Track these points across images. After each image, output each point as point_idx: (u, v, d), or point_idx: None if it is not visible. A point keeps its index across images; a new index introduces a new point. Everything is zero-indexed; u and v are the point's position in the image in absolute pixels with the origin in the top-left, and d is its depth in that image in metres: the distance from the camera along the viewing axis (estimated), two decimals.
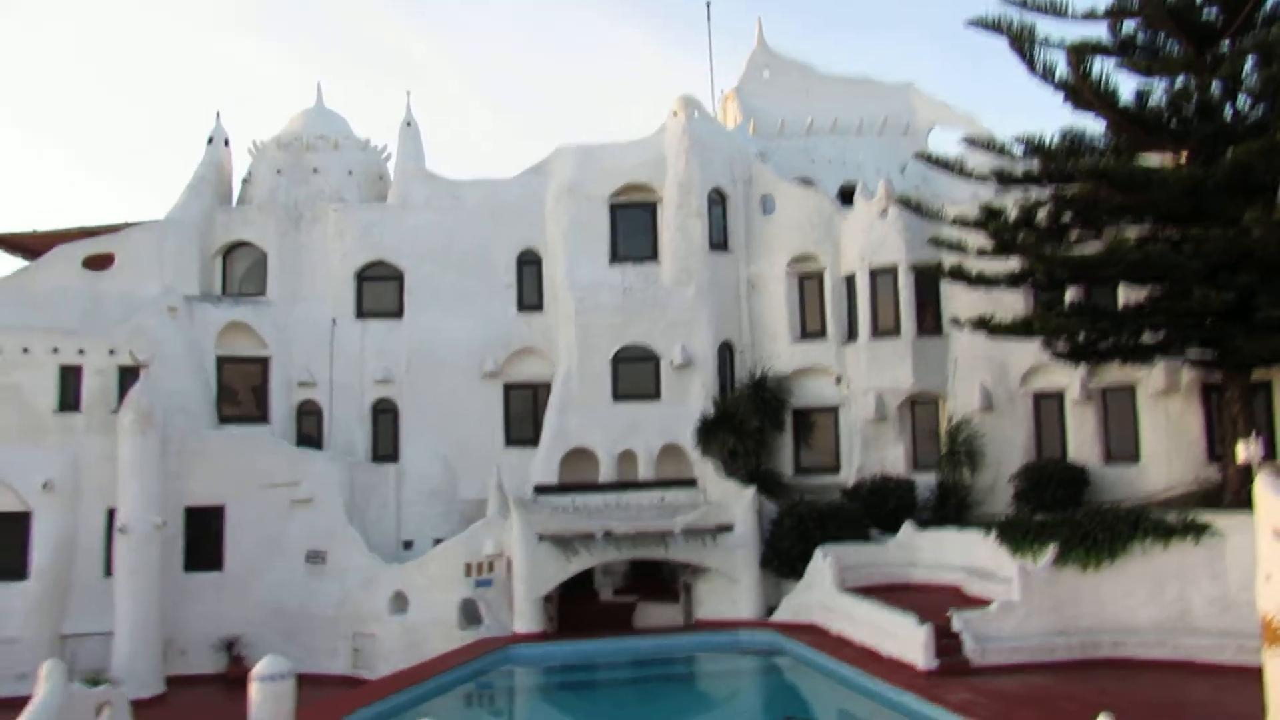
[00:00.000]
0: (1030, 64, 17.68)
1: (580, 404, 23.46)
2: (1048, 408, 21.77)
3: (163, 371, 21.79)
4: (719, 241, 24.35)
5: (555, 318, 24.35)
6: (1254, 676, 11.70)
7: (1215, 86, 17.30)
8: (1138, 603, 15.44)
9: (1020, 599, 15.66)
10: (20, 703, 12.07)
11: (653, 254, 24.34)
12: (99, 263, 23.84)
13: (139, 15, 59.23)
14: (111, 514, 20.50)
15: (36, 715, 11.19)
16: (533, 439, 23.70)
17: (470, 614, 20.40)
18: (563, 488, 22.18)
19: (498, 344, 24.36)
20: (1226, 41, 17.43)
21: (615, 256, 24.34)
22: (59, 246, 23.87)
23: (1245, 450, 14.46)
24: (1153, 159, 17.99)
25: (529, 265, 24.91)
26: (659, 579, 22.07)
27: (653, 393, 23.62)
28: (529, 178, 25.21)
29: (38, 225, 25.33)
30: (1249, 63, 16.63)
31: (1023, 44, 17.76)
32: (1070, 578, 15.77)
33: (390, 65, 63.29)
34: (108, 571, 20.49)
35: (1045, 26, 18.14)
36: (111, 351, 21.69)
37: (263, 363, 23.95)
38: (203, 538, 21.62)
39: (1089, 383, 21.02)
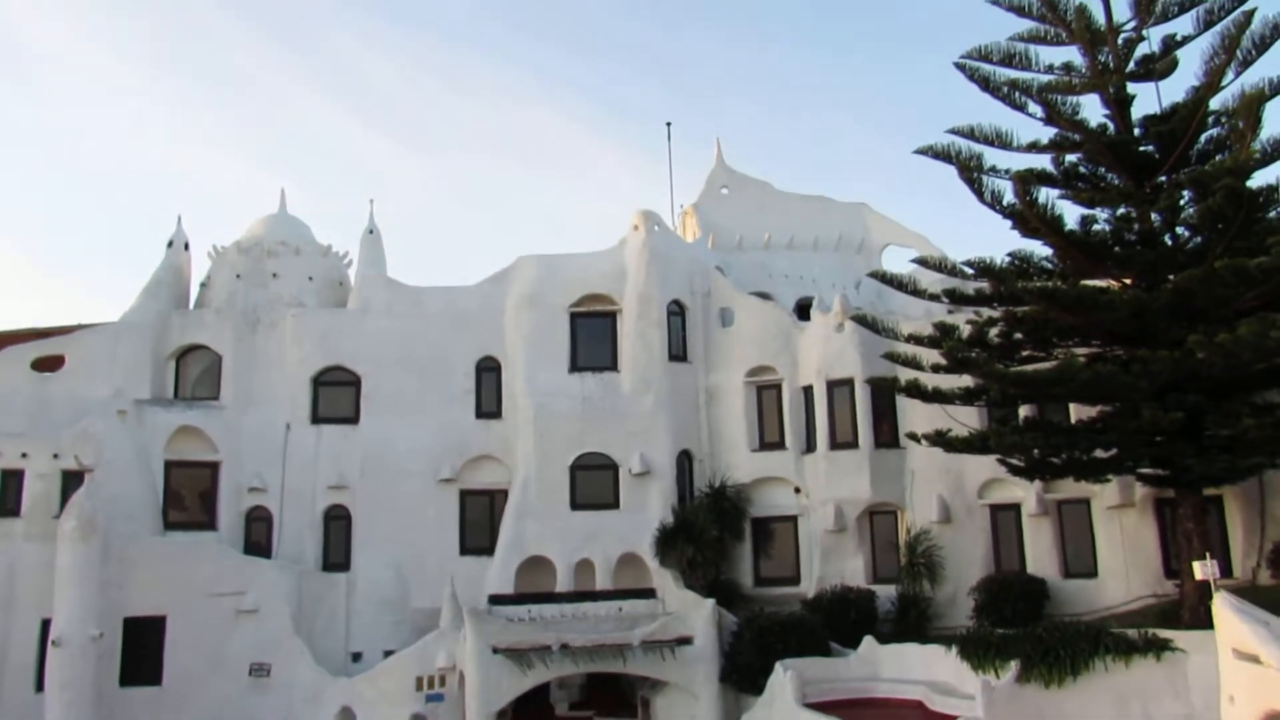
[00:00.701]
0: (978, 192, 18.46)
1: (538, 511, 23.23)
2: (1005, 520, 22.02)
3: (108, 476, 21.23)
4: (678, 352, 24.65)
5: (514, 425, 24.26)
6: None
7: (1155, 217, 18.18)
8: None
9: (984, 715, 15.51)
10: None
11: (612, 363, 24.54)
12: (49, 364, 23.41)
13: (102, 117, 59.62)
14: (46, 625, 19.61)
15: None
16: (489, 547, 23.33)
17: None
18: (519, 598, 21.76)
19: (455, 450, 24.14)
20: (1163, 176, 18.37)
21: (575, 365, 24.48)
22: (9, 347, 23.42)
23: (1202, 570, 14.69)
24: (1099, 282, 18.70)
25: (488, 372, 24.92)
26: (617, 692, 21.53)
27: (611, 501, 23.49)
28: (490, 286, 25.44)
29: None
30: (1186, 195, 17.50)
31: (970, 173, 18.61)
32: (1033, 694, 15.72)
33: (354, 172, 64.16)
34: (39, 687, 19.47)
35: (991, 156, 18.99)
36: (56, 455, 21.15)
37: (212, 468, 23.41)
38: (142, 650, 20.71)
39: (1045, 496, 21.37)
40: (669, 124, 40.96)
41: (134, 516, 21.73)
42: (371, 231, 26.38)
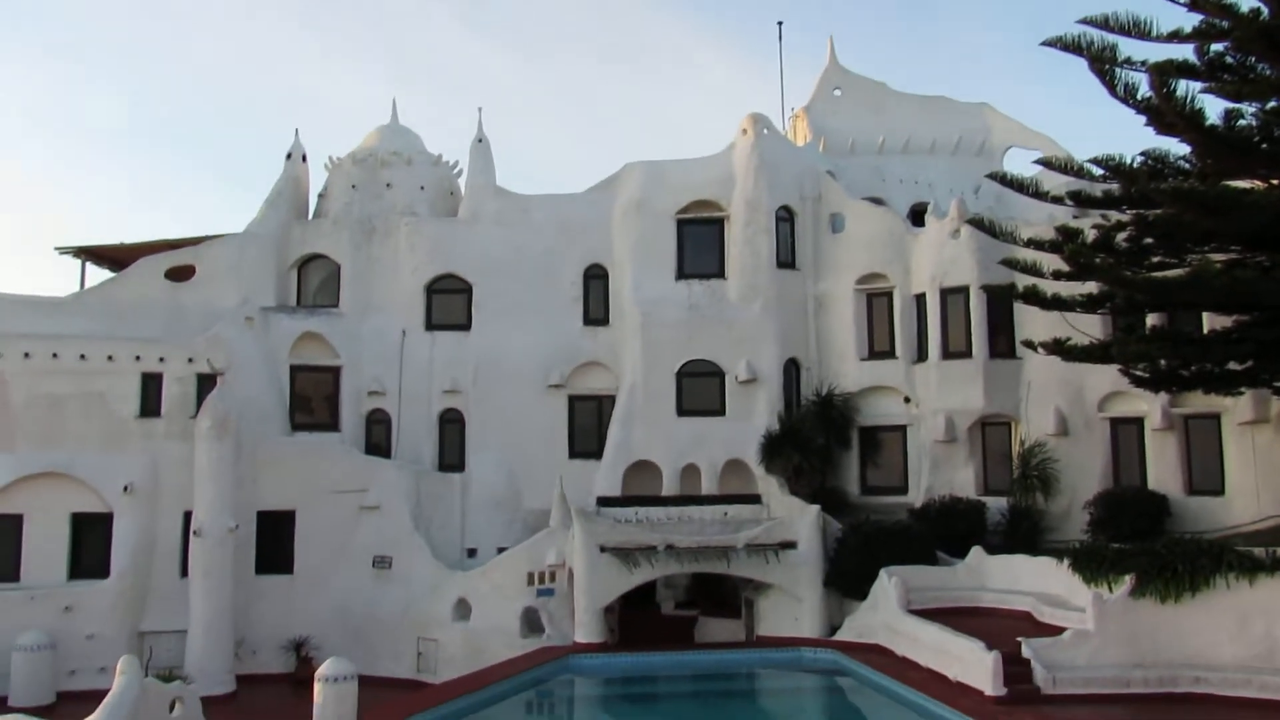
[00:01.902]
0: (1110, 86, 17.25)
1: (644, 418, 23.52)
2: (1126, 434, 21.22)
3: (238, 380, 22.40)
4: (786, 259, 24.26)
5: (621, 332, 24.46)
6: None
7: None
8: (1221, 638, 14.87)
9: (1094, 628, 15.22)
10: (99, 695, 12.46)
11: (719, 270, 24.35)
12: (181, 274, 24.61)
13: (221, 35, 61.23)
14: (188, 517, 21.09)
15: (113, 708, 11.52)
16: (596, 451, 23.82)
17: (532, 623, 20.55)
18: (626, 500, 22.23)
19: (563, 357, 24.54)
20: None
21: (681, 272, 24.40)
22: (143, 259, 24.71)
23: None
24: (1240, 184, 17.46)
25: (595, 280, 25.08)
26: (721, 594, 21.97)
27: (717, 408, 23.58)
28: (597, 193, 25.42)
29: (124, 238, 26.25)
30: None
31: (1103, 65, 17.34)
32: (1148, 609, 15.28)
33: (463, 82, 64.43)
34: (184, 573, 21.06)
35: (1126, 47, 17.66)
36: (190, 360, 22.35)
37: (334, 372, 24.46)
38: (274, 541, 22.12)
39: (1170, 409, 20.46)
40: (780, 24, 39.85)
41: (263, 418, 22.98)
42: (480, 140, 26.55)
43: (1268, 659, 14.57)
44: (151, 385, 22.14)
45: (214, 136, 62.47)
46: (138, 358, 22.10)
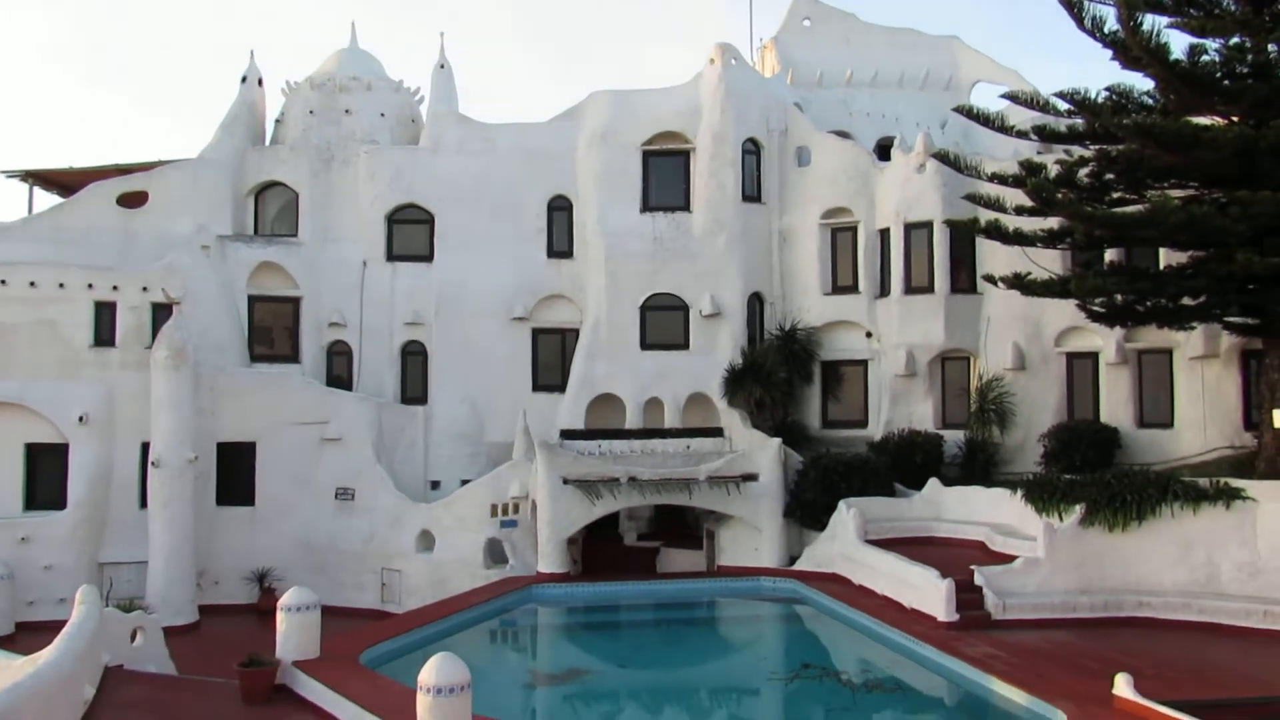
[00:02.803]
0: (1078, 18, 17.17)
1: (608, 351, 23.52)
2: (1081, 368, 21.58)
3: (195, 309, 22.04)
4: (752, 192, 24.14)
5: (585, 264, 24.31)
6: (1278, 640, 11.70)
7: (1272, 48, 16.81)
8: (1164, 565, 15.41)
9: (1045, 556, 15.68)
10: (58, 626, 12.36)
11: (685, 203, 24.18)
12: (133, 200, 23.96)
13: None
14: (146, 448, 20.85)
15: (72, 637, 11.48)
16: (560, 385, 23.84)
17: (495, 554, 20.72)
18: (589, 433, 22.33)
19: (527, 289, 24.38)
20: None
21: (647, 205, 24.20)
22: (94, 183, 24.01)
23: None
24: (1201, 121, 17.55)
25: (560, 211, 24.81)
26: (683, 525, 22.28)
27: (681, 342, 23.64)
28: (562, 123, 25.00)
29: (73, 162, 25.50)
30: None
31: None
32: (1096, 537, 15.75)
33: (425, 6, 62.72)
34: (143, 504, 20.88)
35: None
36: (145, 288, 21.89)
37: (294, 303, 24.14)
38: (234, 473, 22.00)
39: (1125, 345, 20.82)
40: None
41: (222, 348, 22.70)
42: (443, 66, 25.95)
43: (1206, 584, 15.14)
44: (105, 314, 21.69)
45: (166, 58, 60.51)
46: (90, 285, 21.61)
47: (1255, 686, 11.85)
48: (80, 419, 20.98)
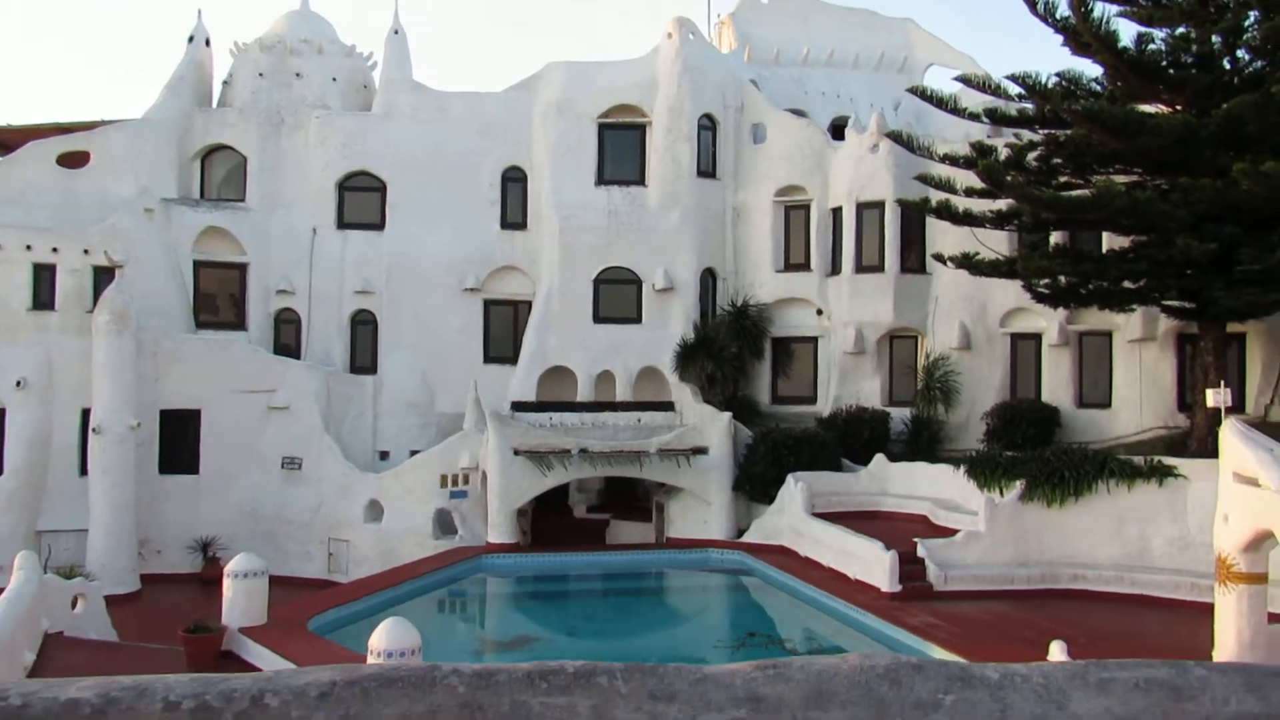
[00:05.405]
0: (1031, 4, 17.47)
1: (560, 323, 23.50)
2: (1025, 349, 22.07)
3: (138, 274, 21.54)
4: (707, 168, 24.20)
5: (538, 236, 24.21)
6: (1206, 612, 12.17)
7: (1216, 39, 17.24)
8: (1099, 539, 15.91)
9: (985, 530, 16.09)
10: None
11: (640, 177, 24.16)
12: (74, 160, 23.27)
13: None
14: (86, 414, 20.40)
15: (10, 602, 11.28)
16: (512, 356, 23.78)
17: (444, 524, 20.69)
18: (540, 405, 22.33)
19: (479, 260, 24.22)
20: None
21: (601, 178, 24.14)
22: (33, 142, 23.24)
23: (1215, 397, 14.76)
24: (1146, 109, 17.96)
25: (514, 182, 24.65)
26: (633, 498, 22.44)
27: (633, 315, 23.70)
28: (518, 93, 24.79)
29: (11, 120, 24.69)
30: (1251, 16, 16.53)
31: None
32: (1035, 512, 16.19)
33: None
34: (83, 471, 20.46)
35: None
36: (86, 251, 21.37)
37: (240, 269, 23.72)
38: (178, 441, 21.64)
39: (1067, 326, 21.32)
40: None
41: (165, 314, 22.25)
42: (396, 32, 25.54)
43: (1138, 558, 15.67)
44: (44, 276, 21.15)
45: (109, 14, 58.67)
46: (29, 247, 21.04)
47: (1181, 655, 12.28)
48: (18, 384, 20.47)
